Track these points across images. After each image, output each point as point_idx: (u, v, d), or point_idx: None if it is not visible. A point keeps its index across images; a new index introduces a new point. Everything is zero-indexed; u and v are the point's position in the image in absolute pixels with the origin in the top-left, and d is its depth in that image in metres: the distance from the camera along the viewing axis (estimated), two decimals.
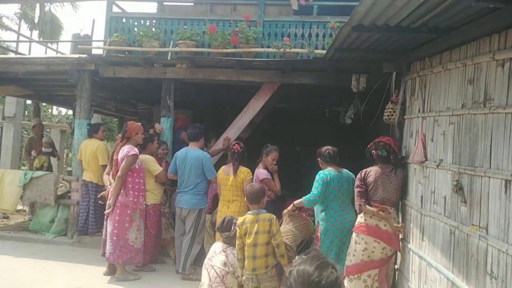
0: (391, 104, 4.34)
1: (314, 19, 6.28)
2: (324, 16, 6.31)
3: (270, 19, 6.33)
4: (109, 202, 5.06)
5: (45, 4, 17.86)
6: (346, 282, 4.02)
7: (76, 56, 6.61)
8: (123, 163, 4.95)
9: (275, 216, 3.83)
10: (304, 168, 8.21)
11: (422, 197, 3.53)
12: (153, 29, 6.48)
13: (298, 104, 8.49)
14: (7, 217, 7.81)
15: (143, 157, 5.33)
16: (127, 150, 5.01)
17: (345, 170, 4.42)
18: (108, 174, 5.93)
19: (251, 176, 5.06)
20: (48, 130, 12.36)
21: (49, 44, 12.18)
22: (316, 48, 6.11)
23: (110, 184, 5.68)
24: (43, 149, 7.65)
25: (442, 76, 3.29)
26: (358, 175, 4.08)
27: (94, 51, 6.76)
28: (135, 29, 6.64)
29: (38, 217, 6.96)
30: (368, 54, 4.47)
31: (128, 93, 8.54)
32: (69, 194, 6.86)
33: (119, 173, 4.93)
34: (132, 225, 5.00)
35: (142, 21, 6.67)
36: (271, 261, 3.75)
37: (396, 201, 4.02)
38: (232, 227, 4.11)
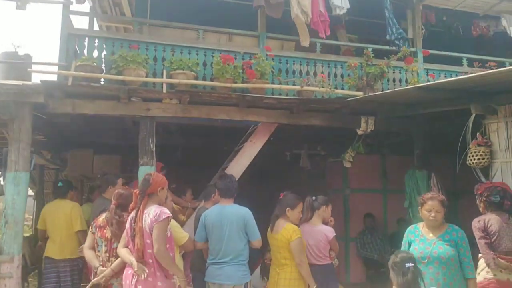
0: (479, 147, 4.19)
1: (318, 57, 5.88)
2: (328, 54, 5.99)
3: (274, 53, 5.65)
4: None
5: None
6: None
7: (19, 83, 4.67)
8: (155, 231, 3.52)
9: None
10: None
11: None
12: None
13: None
14: None
15: None
16: (155, 211, 3.58)
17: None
18: (92, 248, 4.22)
19: (299, 235, 4.13)
20: None
21: None
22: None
23: (102, 265, 4.02)
24: None
25: None
26: (476, 225, 3.74)
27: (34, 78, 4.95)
28: (105, 53, 5.12)
29: None
30: (446, 94, 4.28)
31: (59, 135, 6.48)
32: None
33: (157, 248, 3.47)
34: None
35: (113, 43, 5.17)
36: None
37: None
38: None
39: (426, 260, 3.44)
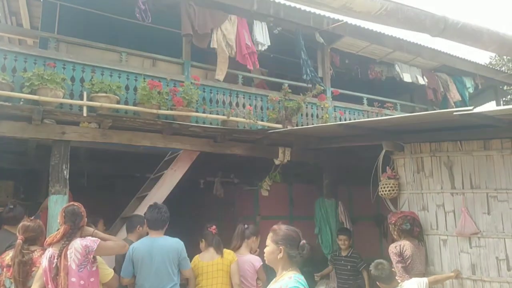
0: (390, 180, 4.67)
1: (240, 88, 6.05)
2: (248, 87, 6.20)
3: (199, 82, 5.66)
4: None
5: None
6: None
7: None
8: (104, 251, 3.49)
9: None
10: None
11: (474, 265, 3.95)
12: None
13: None
14: None
15: None
16: (80, 245, 3.34)
17: None
18: None
19: (236, 258, 4.29)
20: None
21: None
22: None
23: None
24: None
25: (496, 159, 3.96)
26: (393, 250, 4.13)
27: None
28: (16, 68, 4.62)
29: None
30: (360, 131, 4.73)
31: None
32: None
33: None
34: None
35: (26, 58, 4.68)
36: None
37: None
38: None
39: None
